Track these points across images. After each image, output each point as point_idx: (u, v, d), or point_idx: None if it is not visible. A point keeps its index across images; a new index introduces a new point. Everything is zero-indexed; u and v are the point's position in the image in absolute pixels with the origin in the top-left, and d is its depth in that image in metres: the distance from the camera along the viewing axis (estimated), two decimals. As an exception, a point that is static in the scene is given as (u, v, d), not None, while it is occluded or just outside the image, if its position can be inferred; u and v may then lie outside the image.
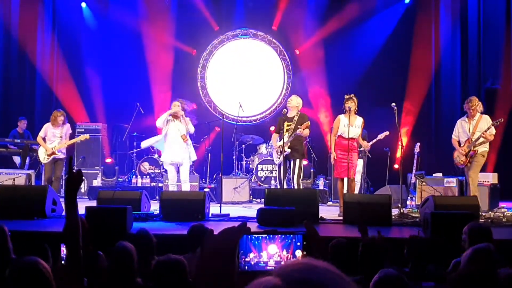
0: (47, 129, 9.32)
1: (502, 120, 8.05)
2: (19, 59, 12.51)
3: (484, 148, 7.96)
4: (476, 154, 7.92)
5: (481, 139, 7.86)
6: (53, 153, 9.20)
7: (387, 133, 9.32)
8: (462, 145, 8.03)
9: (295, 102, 8.52)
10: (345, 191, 8.05)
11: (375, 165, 10.43)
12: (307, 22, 12.74)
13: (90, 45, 12.79)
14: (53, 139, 9.25)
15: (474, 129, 7.96)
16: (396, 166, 10.42)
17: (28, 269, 2.86)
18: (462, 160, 8.00)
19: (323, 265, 1.20)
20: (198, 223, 4.64)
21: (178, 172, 8.70)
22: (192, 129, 8.66)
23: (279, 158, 8.43)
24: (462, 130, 8.10)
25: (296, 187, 8.29)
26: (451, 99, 11.76)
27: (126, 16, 12.60)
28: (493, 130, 7.91)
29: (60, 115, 9.31)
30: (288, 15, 12.74)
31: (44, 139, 9.25)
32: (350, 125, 8.11)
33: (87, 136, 9.91)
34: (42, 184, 10.19)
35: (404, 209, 7.78)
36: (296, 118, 8.39)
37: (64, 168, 9.43)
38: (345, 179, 8.17)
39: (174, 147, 8.51)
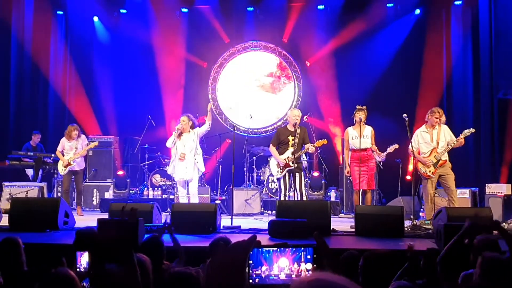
0: (64, 143, 9.70)
1: (474, 130, 7.97)
2: (32, 73, 12.65)
3: (447, 158, 7.92)
4: (445, 167, 7.85)
5: (444, 148, 7.81)
6: (68, 163, 9.51)
7: (396, 146, 9.27)
8: (426, 156, 7.93)
9: (300, 116, 8.52)
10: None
11: (387, 177, 10.37)
12: (317, 33, 12.76)
13: (102, 58, 12.92)
14: (70, 152, 9.62)
15: (438, 138, 7.91)
16: (408, 177, 10.35)
17: (62, 280, 2.89)
18: (431, 171, 7.87)
19: (339, 280, 1.18)
20: (222, 236, 4.50)
21: (187, 185, 8.74)
22: (204, 128, 8.64)
23: (281, 172, 8.39)
24: (423, 141, 8.02)
25: (304, 198, 8.31)
26: (463, 109, 11.69)
27: (137, 29, 12.71)
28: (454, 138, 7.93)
29: (74, 129, 9.69)
30: (298, 27, 12.78)
31: (62, 153, 9.64)
32: (360, 136, 8.11)
33: (96, 143, 10.12)
34: (58, 195, 10.37)
35: (416, 220, 7.71)
36: (298, 131, 8.38)
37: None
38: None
39: (181, 164, 8.55)
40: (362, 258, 3.53)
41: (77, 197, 9.88)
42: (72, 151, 9.57)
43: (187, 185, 8.69)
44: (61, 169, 9.60)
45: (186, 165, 8.51)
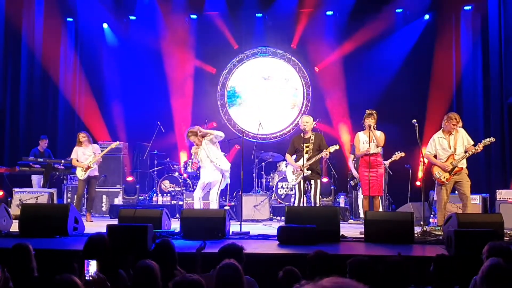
0: (77, 151, 9.78)
1: (494, 139, 7.87)
2: (42, 80, 12.74)
3: (464, 164, 7.80)
4: (462, 173, 7.74)
5: (462, 155, 7.73)
6: (88, 167, 9.60)
7: (402, 154, 9.22)
8: (443, 161, 7.83)
9: (311, 123, 8.50)
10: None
11: (397, 182, 10.32)
12: (326, 39, 12.75)
13: (111, 65, 12.98)
14: (89, 157, 9.70)
15: (455, 144, 7.83)
16: (418, 183, 10.31)
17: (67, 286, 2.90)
18: (446, 177, 7.75)
19: (356, 285, 1.20)
20: (233, 243, 4.42)
21: (208, 191, 8.70)
22: (220, 134, 8.70)
23: (296, 179, 8.39)
24: (440, 147, 7.90)
25: (318, 204, 8.30)
26: (473, 115, 11.61)
27: (146, 36, 12.78)
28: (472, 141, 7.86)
29: (82, 136, 9.80)
30: (307, 33, 12.78)
31: (77, 161, 9.73)
32: (370, 141, 8.08)
33: (117, 143, 10.25)
34: (68, 201, 10.41)
35: (426, 227, 7.66)
36: (313, 138, 8.36)
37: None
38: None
39: (207, 169, 8.58)
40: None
41: (88, 204, 9.84)
42: (88, 157, 9.67)
43: (208, 190, 8.70)
44: (81, 174, 9.65)
45: (211, 170, 8.57)
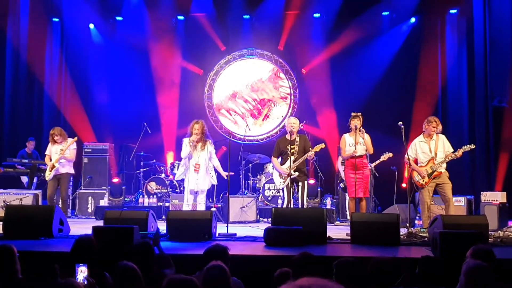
0: (49, 147, 9.40)
1: (473, 146, 7.98)
2: (28, 80, 12.63)
3: (444, 169, 7.93)
4: (442, 176, 7.87)
5: (442, 159, 7.84)
6: (53, 166, 9.14)
7: (390, 154, 9.27)
8: (423, 165, 7.94)
9: (298, 125, 8.49)
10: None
11: (383, 184, 10.37)
12: (313, 41, 12.81)
13: (97, 66, 12.91)
14: (55, 155, 9.25)
15: (436, 149, 7.92)
16: (404, 185, 10.36)
17: None
18: (425, 181, 7.88)
19: (334, 286, 1.19)
20: (218, 244, 4.39)
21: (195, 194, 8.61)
22: (215, 158, 8.55)
23: (283, 182, 8.37)
24: (421, 150, 8.03)
25: (305, 206, 8.32)
26: (458, 117, 11.73)
27: (133, 37, 12.73)
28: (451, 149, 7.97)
29: (53, 132, 9.31)
30: (294, 35, 12.82)
31: (50, 158, 9.32)
32: (356, 143, 8.11)
33: (75, 138, 9.51)
34: (58, 202, 10.23)
35: (412, 228, 7.71)
36: (298, 139, 8.36)
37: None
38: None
39: (194, 175, 8.33)
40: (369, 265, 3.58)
41: (61, 206, 9.10)
42: (57, 155, 9.21)
43: (195, 193, 8.59)
44: (47, 174, 9.24)
45: (197, 177, 8.30)
